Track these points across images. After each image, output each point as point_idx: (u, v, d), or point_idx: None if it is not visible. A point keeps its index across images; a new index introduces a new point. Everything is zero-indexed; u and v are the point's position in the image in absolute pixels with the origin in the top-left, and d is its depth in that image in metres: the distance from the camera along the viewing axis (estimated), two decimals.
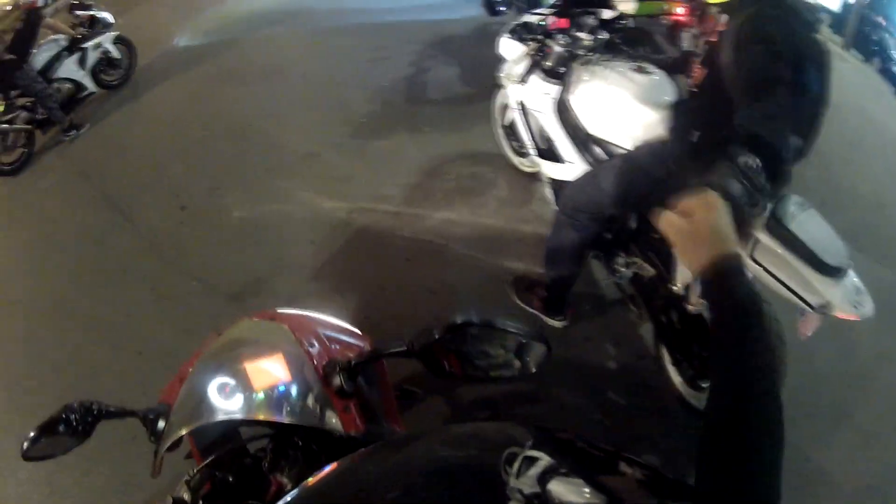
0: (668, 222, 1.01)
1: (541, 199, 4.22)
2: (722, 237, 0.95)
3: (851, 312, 2.13)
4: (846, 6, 6.39)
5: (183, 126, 6.20)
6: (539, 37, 3.23)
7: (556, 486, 0.63)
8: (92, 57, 6.74)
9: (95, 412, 1.56)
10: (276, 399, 1.47)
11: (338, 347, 1.77)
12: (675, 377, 2.98)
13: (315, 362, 1.61)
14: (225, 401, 1.47)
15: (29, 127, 6.20)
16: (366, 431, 1.51)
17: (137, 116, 6.63)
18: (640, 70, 2.84)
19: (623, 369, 3.28)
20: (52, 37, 6.52)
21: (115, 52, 7.02)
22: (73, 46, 6.57)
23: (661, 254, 2.80)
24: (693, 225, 0.96)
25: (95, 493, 3.23)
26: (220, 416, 1.45)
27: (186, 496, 1.39)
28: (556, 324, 3.26)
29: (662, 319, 2.92)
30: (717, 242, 0.94)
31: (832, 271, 2.13)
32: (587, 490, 0.64)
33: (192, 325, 3.94)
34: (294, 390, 1.49)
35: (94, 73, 6.86)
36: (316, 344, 1.71)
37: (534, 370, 1.38)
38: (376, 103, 5.88)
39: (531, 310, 3.32)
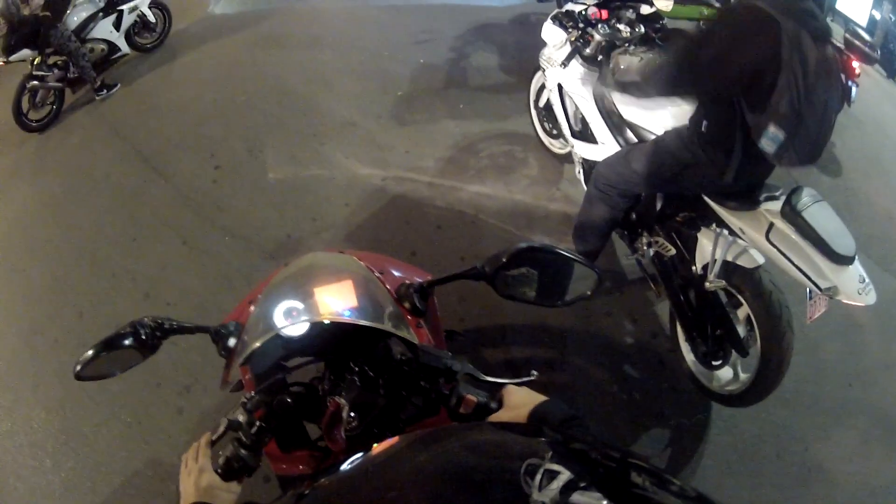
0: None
1: (569, 180, 4.48)
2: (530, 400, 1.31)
3: (856, 298, 2.40)
4: (872, 21, 6.60)
5: (220, 89, 6.39)
6: (581, 25, 3.47)
7: (578, 499, 0.65)
8: (127, 19, 7.00)
9: (166, 327, 1.57)
10: (353, 308, 1.55)
11: (405, 276, 1.87)
12: (688, 355, 3.22)
13: (387, 286, 1.73)
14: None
15: (60, 85, 6.45)
16: (440, 342, 1.68)
17: (172, 79, 6.83)
18: None
19: (639, 345, 3.52)
20: None
21: (150, 16, 7.29)
22: (109, 8, 6.83)
23: (683, 235, 3.05)
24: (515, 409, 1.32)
25: (114, 440, 3.38)
26: (303, 320, 1.55)
27: (242, 417, 1.42)
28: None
29: (680, 298, 3.14)
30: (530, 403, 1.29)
31: (840, 259, 2.40)
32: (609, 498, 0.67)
33: (225, 278, 4.15)
34: (369, 304, 1.59)
35: (129, 36, 7.15)
36: (385, 272, 1.84)
37: (588, 294, 1.55)
38: (415, 79, 6.09)
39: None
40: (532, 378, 1.44)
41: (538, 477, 0.68)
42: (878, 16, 6.68)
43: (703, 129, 2.66)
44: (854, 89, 5.26)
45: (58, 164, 5.92)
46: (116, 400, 3.55)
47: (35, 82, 6.21)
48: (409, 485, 0.79)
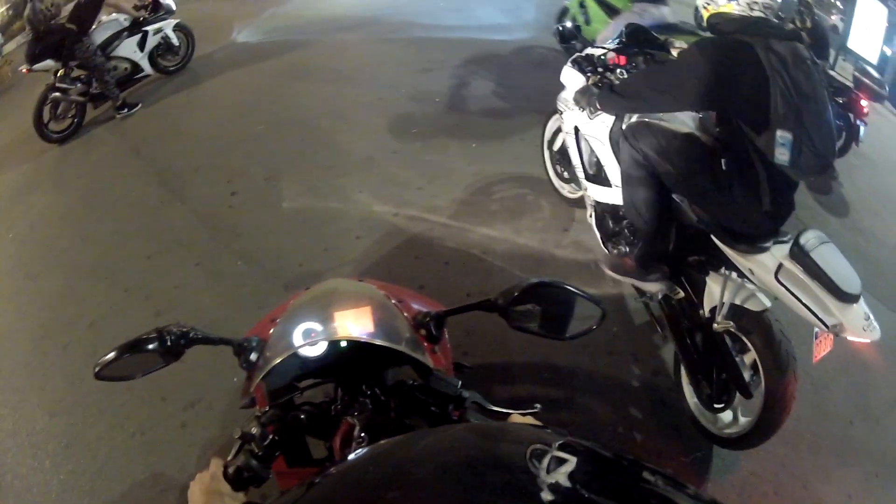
0: None
1: (579, 224, 4.59)
2: None
3: (861, 335, 2.51)
4: (883, 58, 6.65)
5: (240, 116, 6.57)
6: (600, 70, 3.60)
7: (587, 486, 0.64)
8: (152, 40, 7.31)
9: (191, 336, 1.61)
10: (371, 332, 1.61)
11: (421, 306, 1.90)
12: (690, 397, 3.30)
13: (405, 313, 1.79)
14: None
15: (82, 99, 6.69)
16: (450, 371, 1.75)
17: (194, 102, 7.03)
18: (693, 116, 3.17)
19: (641, 384, 3.60)
20: (115, 15, 7.08)
21: (174, 39, 7.61)
22: (134, 28, 7.13)
23: (692, 279, 3.18)
24: None
25: (115, 449, 3.46)
26: (322, 338, 1.63)
27: (256, 430, 1.47)
28: (653, 287, 3.33)
29: (686, 341, 3.23)
30: None
31: (846, 297, 2.50)
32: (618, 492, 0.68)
33: (237, 302, 4.26)
34: (387, 328, 1.65)
35: (152, 57, 7.44)
36: (403, 301, 1.89)
37: (594, 327, 1.60)
38: (431, 117, 6.24)
39: (625, 277, 3.47)
40: (536, 410, 1.49)
41: (545, 461, 0.68)
42: (889, 52, 6.74)
43: (723, 166, 2.80)
44: (862, 128, 5.42)
45: (76, 177, 6.11)
46: (121, 410, 3.63)
47: (57, 94, 6.45)
48: (414, 466, 0.80)
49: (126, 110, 6.98)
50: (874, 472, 3.31)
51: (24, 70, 6.62)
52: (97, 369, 1.53)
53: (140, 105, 7.10)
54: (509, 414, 1.48)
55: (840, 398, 3.58)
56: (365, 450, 1.05)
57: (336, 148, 5.91)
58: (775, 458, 3.21)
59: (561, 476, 0.66)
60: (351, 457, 1.01)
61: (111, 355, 1.52)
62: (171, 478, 3.27)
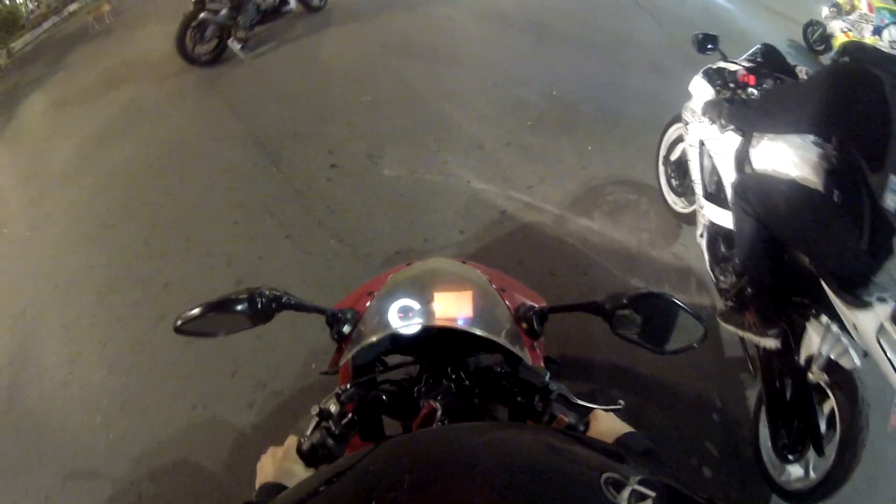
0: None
1: (683, 244, 4.58)
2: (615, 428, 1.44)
3: None
4: None
5: (349, 84, 6.65)
6: (731, 85, 3.65)
7: None
8: None
9: (283, 301, 1.67)
10: (469, 318, 1.67)
11: (524, 298, 1.96)
12: (765, 442, 3.33)
13: (507, 302, 1.84)
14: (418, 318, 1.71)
15: (230, 23, 7.07)
16: (546, 369, 1.75)
17: (300, 67, 7.18)
18: (816, 142, 3.14)
19: (720, 429, 3.60)
20: None
21: None
22: None
23: (792, 322, 3.17)
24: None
25: (174, 418, 3.57)
26: (419, 320, 1.68)
27: (334, 408, 1.51)
28: (770, 343, 3.26)
29: (776, 385, 3.27)
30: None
31: None
32: None
33: (323, 280, 4.32)
34: (485, 316, 1.70)
35: None
36: (507, 290, 1.94)
37: (695, 345, 1.62)
38: (547, 112, 6.20)
39: (743, 332, 3.44)
40: (619, 407, 1.54)
41: (625, 493, 0.69)
42: None
43: (835, 198, 2.84)
44: None
45: (165, 130, 6.30)
46: (187, 379, 3.73)
47: (206, 14, 6.80)
48: (482, 454, 0.80)
49: (246, 52, 7.37)
50: None
51: None
52: (178, 323, 1.58)
53: (249, 55, 7.42)
54: (593, 409, 1.53)
55: (891, 471, 3.50)
56: (435, 427, 1.11)
57: (446, 131, 5.90)
58: None
59: None
60: (421, 430, 1.07)
61: (196, 311, 1.57)
62: (227, 456, 3.35)
